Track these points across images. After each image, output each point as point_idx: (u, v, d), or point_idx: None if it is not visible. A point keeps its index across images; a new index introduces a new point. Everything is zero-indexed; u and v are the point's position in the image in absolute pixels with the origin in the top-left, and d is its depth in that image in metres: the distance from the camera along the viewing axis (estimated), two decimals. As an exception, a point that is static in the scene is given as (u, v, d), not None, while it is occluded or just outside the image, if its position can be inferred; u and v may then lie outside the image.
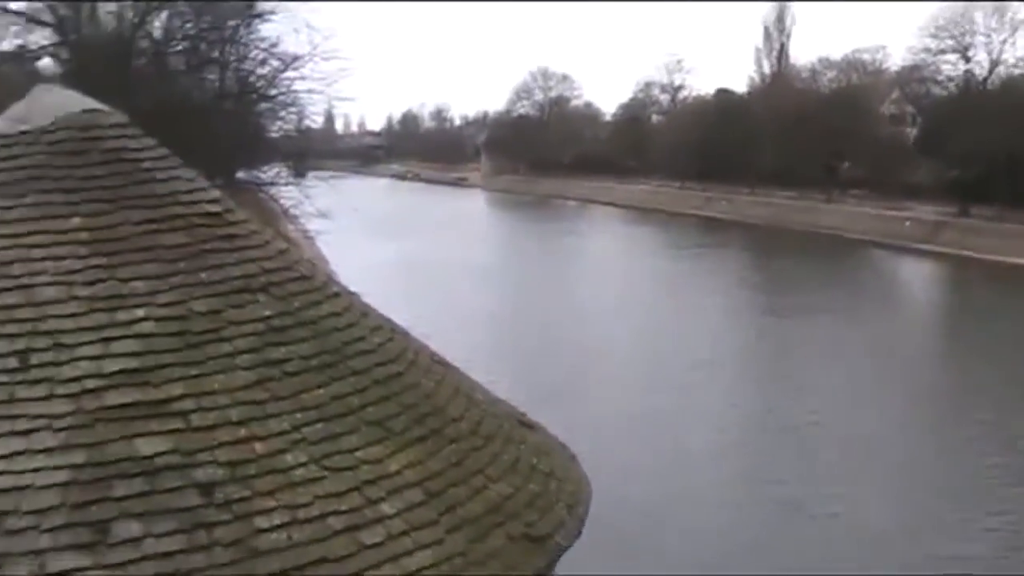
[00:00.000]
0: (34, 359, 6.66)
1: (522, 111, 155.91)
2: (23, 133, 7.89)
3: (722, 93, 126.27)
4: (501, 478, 7.47)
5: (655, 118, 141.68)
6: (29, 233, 7.30)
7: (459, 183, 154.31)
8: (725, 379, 42.05)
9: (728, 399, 38.80)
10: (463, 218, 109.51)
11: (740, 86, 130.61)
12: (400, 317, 8.79)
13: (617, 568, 22.64)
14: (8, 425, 6.37)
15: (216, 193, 8.24)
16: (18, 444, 6.30)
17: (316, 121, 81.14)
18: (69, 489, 6.15)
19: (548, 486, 7.76)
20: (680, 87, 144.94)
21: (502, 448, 7.82)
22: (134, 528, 6.06)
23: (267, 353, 7.11)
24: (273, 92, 48.61)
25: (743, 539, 25.82)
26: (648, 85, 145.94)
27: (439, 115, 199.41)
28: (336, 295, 8.08)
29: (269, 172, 49.20)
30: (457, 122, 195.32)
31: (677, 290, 62.44)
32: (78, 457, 6.28)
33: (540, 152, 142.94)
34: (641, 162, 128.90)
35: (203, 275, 7.37)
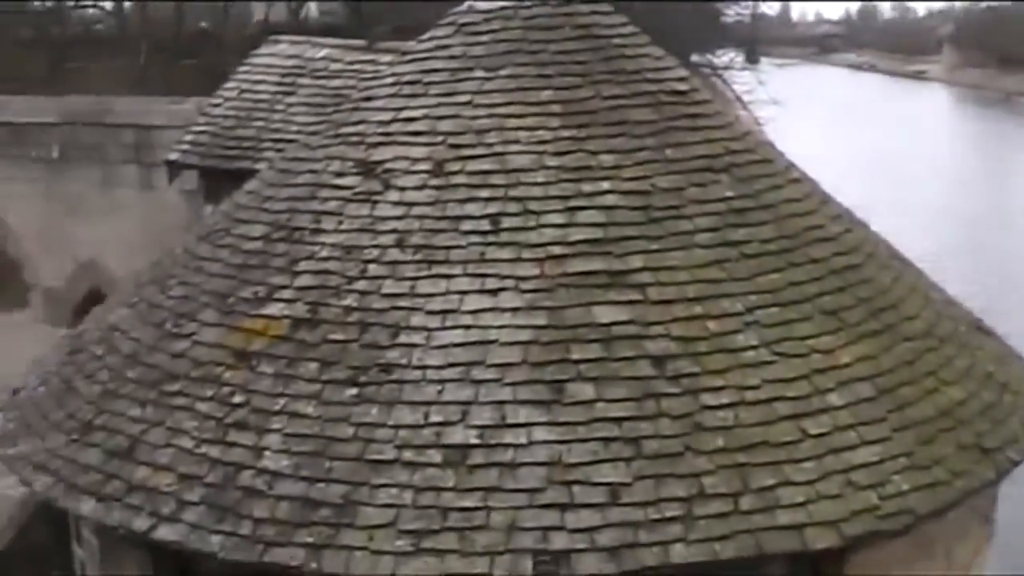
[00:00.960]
0: (504, 223, 6.99)
1: (993, 2, 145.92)
2: (502, 8, 8.20)
3: None
4: (954, 383, 7.17)
5: None
6: (504, 104, 7.62)
7: (917, 76, 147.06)
8: None
9: None
10: (921, 112, 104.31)
11: None
12: (855, 209, 8.54)
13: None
14: (478, 283, 6.75)
15: (683, 72, 8.28)
16: (487, 301, 6.67)
17: (772, 7, 79.50)
18: (530, 348, 6.46)
19: (1003, 397, 7.37)
20: None
21: (956, 352, 7.49)
22: (588, 391, 6.30)
23: (726, 233, 7.12)
24: (730, -25, 48.04)
25: None
26: None
27: (901, 5, 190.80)
28: (797, 180, 7.96)
29: (722, 57, 48.80)
30: (920, 13, 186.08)
31: None
32: (540, 319, 6.57)
33: (1011, 46, 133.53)
34: None
35: (668, 152, 7.45)
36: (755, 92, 43.68)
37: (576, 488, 5.97)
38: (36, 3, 37.76)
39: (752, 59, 50.98)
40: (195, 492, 6.34)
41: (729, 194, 7.37)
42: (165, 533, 6.28)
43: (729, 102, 41.81)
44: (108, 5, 41.67)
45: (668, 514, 5.93)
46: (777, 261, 7.13)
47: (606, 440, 6.12)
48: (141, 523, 6.37)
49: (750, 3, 53.39)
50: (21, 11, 37.19)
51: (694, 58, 44.04)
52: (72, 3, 39.30)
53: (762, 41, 60.82)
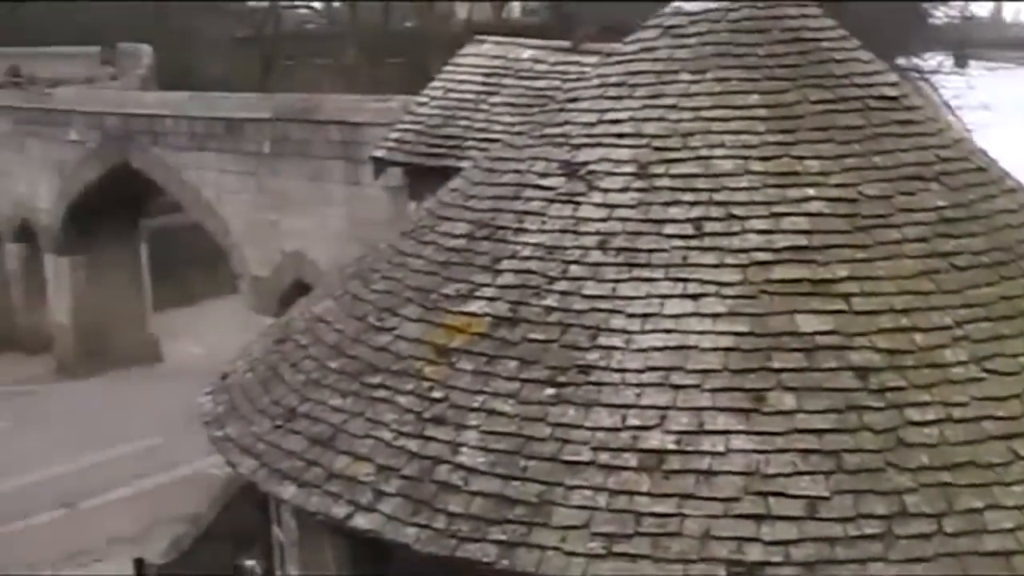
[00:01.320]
0: (708, 228, 6.93)
1: None
2: (709, 10, 8.12)
3: None
4: None
5: None
6: (710, 107, 7.55)
7: None
8: None
9: None
10: None
11: None
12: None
13: None
14: (680, 287, 6.71)
15: (894, 77, 8.08)
16: (688, 306, 6.63)
17: (983, 8, 76.67)
18: (731, 355, 6.39)
19: None
20: None
21: None
22: (788, 401, 6.20)
23: (936, 244, 6.91)
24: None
25: None
26: None
27: None
28: (1012, 190, 7.68)
29: (930, 60, 47.33)
30: None
31: None
32: (742, 325, 6.49)
33: None
34: None
35: (876, 159, 7.27)
36: (964, 97, 42.23)
37: (773, 500, 5.88)
38: (251, 3, 39.15)
39: (961, 62, 49.28)
40: (392, 483, 6.47)
41: (940, 203, 7.15)
42: (362, 522, 6.43)
43: (937, 107, 40.60)
44: (318, 5, 42.93)
45: (867, 531, 5.79)
46: (989, 274, 6.89)
47: (805, 452, 6.01)
48: (339, 511, 6.54)
49: (960, 3, 51.65)
50: (237, 11, 38.63)
51: (900, 61, 42.88)
52: (285, 3, 40.62)
53: (972, 43, 58.66)
